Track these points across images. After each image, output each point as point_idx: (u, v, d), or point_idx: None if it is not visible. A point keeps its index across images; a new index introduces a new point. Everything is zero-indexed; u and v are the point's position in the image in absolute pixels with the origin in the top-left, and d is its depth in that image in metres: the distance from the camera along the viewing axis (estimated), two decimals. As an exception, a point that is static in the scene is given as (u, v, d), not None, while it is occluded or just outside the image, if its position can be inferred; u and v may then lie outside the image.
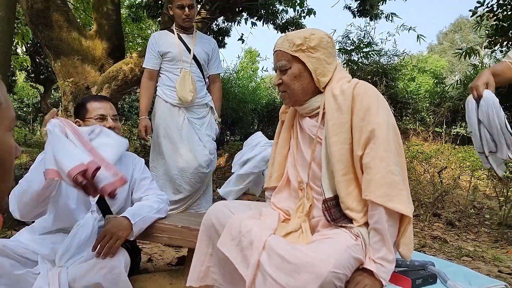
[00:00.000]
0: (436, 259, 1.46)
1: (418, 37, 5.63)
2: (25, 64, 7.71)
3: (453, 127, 8.01)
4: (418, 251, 2.49)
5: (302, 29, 1.30)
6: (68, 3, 4.72)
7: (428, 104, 7.77)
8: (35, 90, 15.03)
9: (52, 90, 13.37)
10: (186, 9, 2.38)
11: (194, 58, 2.45)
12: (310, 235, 1.24)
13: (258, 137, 1.96)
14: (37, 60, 11.53)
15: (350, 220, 1.20)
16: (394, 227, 1.13)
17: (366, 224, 1.18)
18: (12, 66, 7.89)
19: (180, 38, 2.46)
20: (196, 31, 2.56)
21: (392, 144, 1.15)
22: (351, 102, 1.18)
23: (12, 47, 7.08)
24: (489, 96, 1.48)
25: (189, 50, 2.44)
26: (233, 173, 1.91)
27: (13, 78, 13.15)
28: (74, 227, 1.50)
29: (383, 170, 1.11)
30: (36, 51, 11.01)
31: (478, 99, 1.52)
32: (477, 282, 1.22)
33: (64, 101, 4.18)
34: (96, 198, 1.59)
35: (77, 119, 1.63)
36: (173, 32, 2.48)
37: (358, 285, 1.06)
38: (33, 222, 1.54)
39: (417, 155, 4.65)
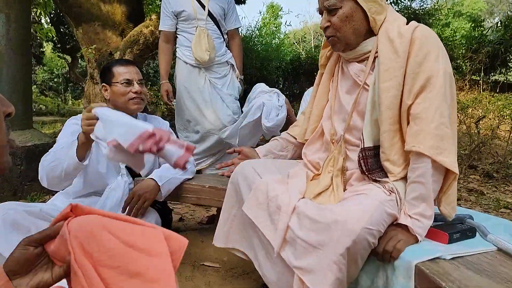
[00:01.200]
0: (474, 212, 1.39)
1: (454, -24, 5.15)
2: (50, 34, 7.78)
3: (492, 74, 7.50)
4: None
5: None
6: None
7: (464, 51, 7.26)
8: (63, 60, 15.32)
9: (79, 59, 13.58)
10: None
11: (210, 14, 2.35)
12: (342, 192, 1.19)
13: (257, 88, 2.00)
14: (61, 30, 11.63)
15: (385, 174, 1.14)
16: (438, 182, 1.07)
17: (403, 179, 1.12)
18: (38, 38, 8.01)
19: None
20: None
21: (448, 96, 1.06)
22: (409, 45, 1.07)
23: (35, 17, 7.13)
24: None
25: (203, 6, 2.34)
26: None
27: (41, 49, 13.41)
28: (106, 190, 1.54)
29: (436, 121, 1.03)
30: (59, 21, 11.08)
31: None
32: (520, 235, 1.15)
33: (89, 68, 4.22)
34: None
35: (103, 84, 1.62)
36: None
37: (391, 240, 1.02)
38: (66, 186, 1.59)
39: (452, 106, 4.40)
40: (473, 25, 7.39)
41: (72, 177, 1.41)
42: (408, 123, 1.10)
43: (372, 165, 1.15)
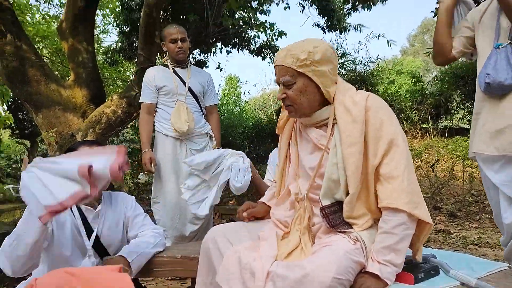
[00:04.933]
0: (437, 251, 1.46)
1: (388, 42, 5.81)
2: (8, 121, 7.68)
3: (439, 121, 8.14)
4: (424, 246, 2.49)
5: (304, 40, 1.27)
6: (43, 57, 4.77)
7: (410, 103, 7.92)
8: (22, 145, 14.92)
9: (39, 143, 13.29)
10: (179, 42, 2.46)
11: (190, 90, 2.52)
12: (310, 248, 1.22)
13: (226, 152, 2.17)
14: (19, 116, 11.51)
15: (350, 226, 1.20)
16: (411, 234, 1.14)
17: (368, 228, 1.19)
18: (-5, 126, 7.86)
19: (175, 72, 2.52)
20: (190, 65, 2.62)
21: (409, 155, 1.18)
22: (365, 113, 1.18)
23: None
24: None
25: (184, 83, 2.51)
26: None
27: (-2, 137, 13.04)
28: (72, 275, 1.47)
29: (407, 179, 1.13)
30: (17, 108, 11.01)
31: None
32: (480, 268, 1.22)
33: (50, 151, 4.16)
34: (92, 242, 1.56)
35: None
36: (168, 67, 2.55)
37: (362, 287, 1.05)
38: (29, 275, 1.50)
39: (407, 153, 4.69)
40: (413, 80, 8.16)
41: (39, 249, 1.34)
42: (375, 182, 1.18)
43: (334, 220, 1.20)
